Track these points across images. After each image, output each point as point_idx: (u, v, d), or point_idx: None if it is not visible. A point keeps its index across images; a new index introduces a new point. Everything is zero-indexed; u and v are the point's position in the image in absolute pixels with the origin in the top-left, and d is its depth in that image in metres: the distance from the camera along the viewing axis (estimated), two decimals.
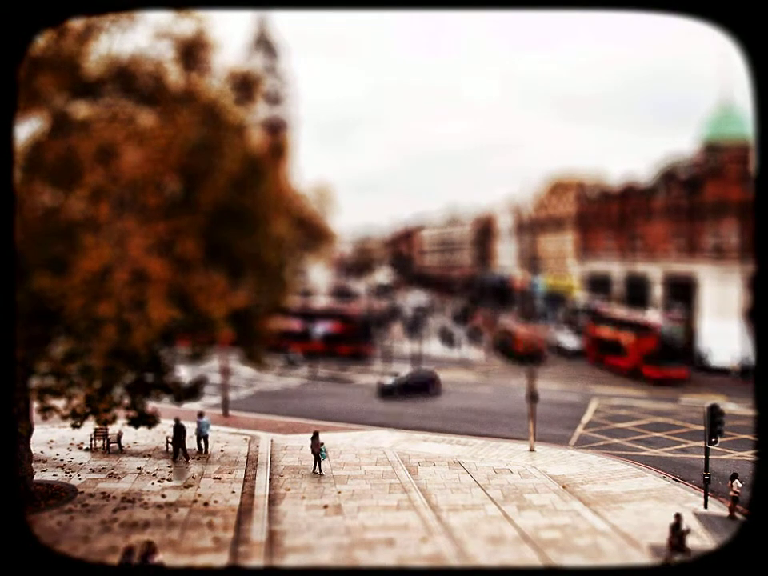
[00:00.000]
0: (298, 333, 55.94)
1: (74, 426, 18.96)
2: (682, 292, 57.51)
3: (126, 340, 14.35)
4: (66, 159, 14.68)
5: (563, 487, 22.63)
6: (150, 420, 19.26)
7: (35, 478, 20.91)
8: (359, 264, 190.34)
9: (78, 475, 22.73)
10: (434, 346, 61.45)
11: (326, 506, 20.12)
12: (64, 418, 18.58)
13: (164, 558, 16.09)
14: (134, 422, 19.26)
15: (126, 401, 18.67)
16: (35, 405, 18.92)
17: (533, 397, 28.58)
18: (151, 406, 20.19)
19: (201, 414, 26.44)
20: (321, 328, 58.27)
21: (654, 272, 61.56)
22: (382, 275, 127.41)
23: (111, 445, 26.01)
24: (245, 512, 19.51)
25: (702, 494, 21.45)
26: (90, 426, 22.52)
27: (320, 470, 23.76)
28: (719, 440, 21.66)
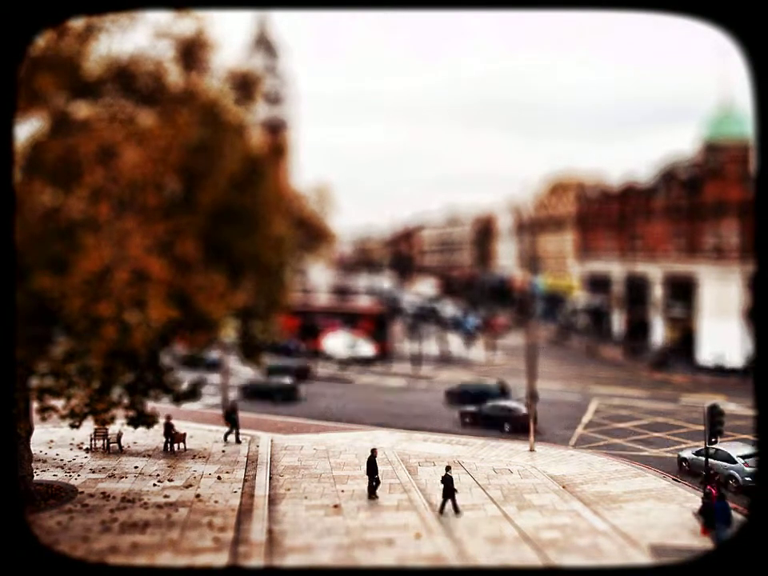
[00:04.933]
0: None
1: (73, 426, 18.97)
2: (682, 292, 57.49)
3: (126, 340, 14.34)
4: (66, 159, 14.67)
5: (563, 487, 22.62)
6: (148, 420, 19.27)
7: (35, 478, 20.91)
8: (359, 264, 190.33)
9: (78, 475, 22.74)
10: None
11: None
12: (62, 417, 18.58)
13: (164, 558, 16.13)
14: (133, 422, 19.28)
15: (126, 400, 18.67)
16: (35, 405, 18.93)
17: (533, 397, 28.58)
18: (150, 405, 20.19)
19: None
20: None
21: (654, 272, 61.53)
22: (426, 285, 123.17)
23: (111, 445, 26.02)
24: (245, 512, 19.50)
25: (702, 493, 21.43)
26: (88, 425, 22.50)
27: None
28: (719, 440, 21.64)
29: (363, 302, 73.57)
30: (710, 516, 18.46)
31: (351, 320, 58.62)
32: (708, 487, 20.02)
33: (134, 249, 14.34)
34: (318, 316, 59.66)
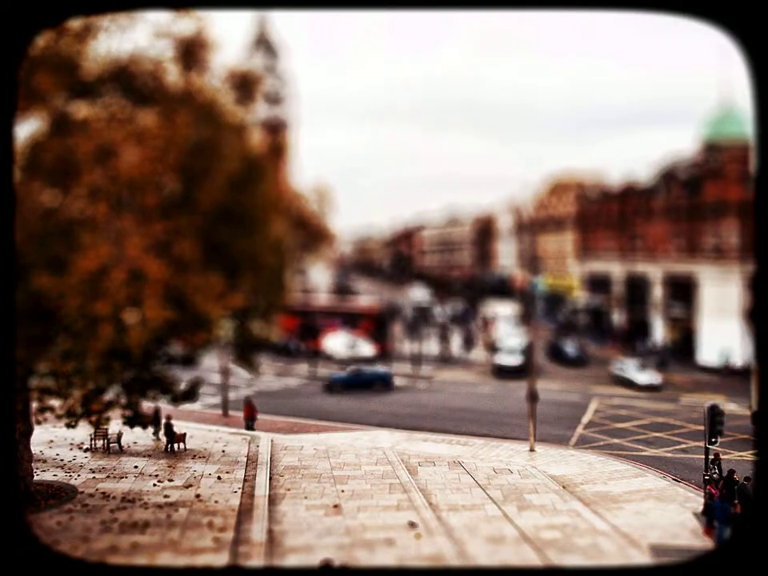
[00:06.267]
0: None
1: (69, 426, 18.94)
2: (682, 292, 57.52)
3: (122, 340, 14.33)
4: (65, 159, 14.67)
5: (563, 487, 22.62)
6: (145, 420, 19.26)
7: (35, 478, 20.91)
8: (359, 263, 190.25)
9: (78, 475, 22.74)
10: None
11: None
12: (59, 417, 18.57)
13: (164, 558, 16.11)
14: (129, 422, 19.27)
15: (123, 400, 18.66)
16: (34, 405, 18.91)
17: (533, 397, 28.57)
18: (147, 406, 20.16)
19: None
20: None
21: (654, 272, 61.55)
22: (420, 292, 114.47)
23: (111, 445, 26.02)
24: (245, 512, 19.49)
25: (702, 493, 21.44)
26: (86, 425, 22.50)
27: None
28: (719, 440, 21.65)
29: (363, 302, 73.51)
30: (712, 516, 18.49)
31: (351, 320, 58.60)
32: (708, 487, 20.04)
33: (132, 248, 14.34)
34: (318, 316, 59.69)
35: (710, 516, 18.74)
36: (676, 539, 18.34)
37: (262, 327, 20.53)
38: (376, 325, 58.56)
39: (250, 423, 30.47)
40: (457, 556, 16.79)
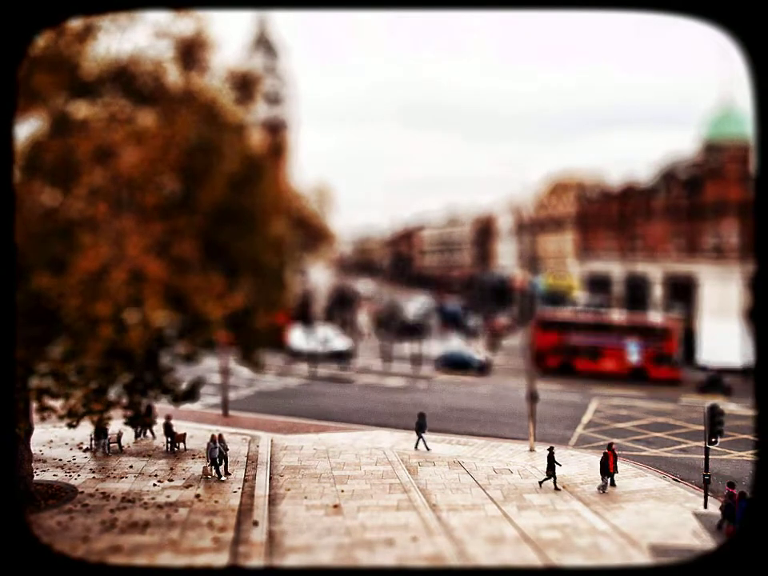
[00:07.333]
0: None
1: (70, 426, 18.96)
2: (682, 292, 57.49)
3: (122, 340, 14.33)
4: (65, 159, 14.67)
5: (563, 487, 22.62)
6: (146, 420, 19.27)
7: (35, 478, 20.91)
8: (359, 263, 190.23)
9: (78, 475, 22.74)
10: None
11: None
12: (60, 417, 18.58)
13: (164, 558, 16.12)
14: (131, 422, 19.26)
15: (124, 400, 18.66)
16: (34, 405, 18.92)
17: (533, 397, 28.56)
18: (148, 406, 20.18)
19: None
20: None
21: (654, 272, 61.54)
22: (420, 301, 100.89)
23: (111, 445, 26.02)
24: (245, 512, 19.50)
25: (702, 494, 21.44)
26: (88, 425, 22.49)
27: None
28: (719, 440, 21.64)
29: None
30: (732, 516, 18.41)
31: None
32: (726, 488, 19.84)
33: (132, 248, 14.34)
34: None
35: (730, 516, 18.65)
36: (676, 539, 18.34)
37: (263, 326, 20.53)
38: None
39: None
40: (457, 556, 16.80)
